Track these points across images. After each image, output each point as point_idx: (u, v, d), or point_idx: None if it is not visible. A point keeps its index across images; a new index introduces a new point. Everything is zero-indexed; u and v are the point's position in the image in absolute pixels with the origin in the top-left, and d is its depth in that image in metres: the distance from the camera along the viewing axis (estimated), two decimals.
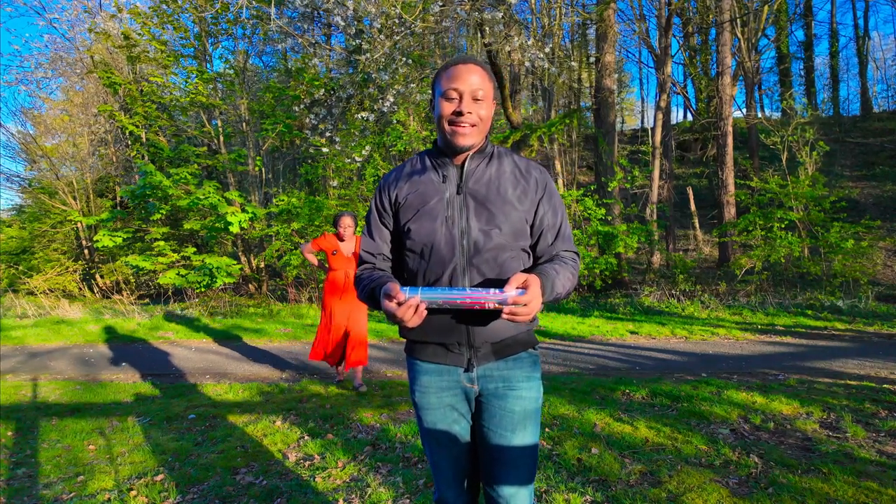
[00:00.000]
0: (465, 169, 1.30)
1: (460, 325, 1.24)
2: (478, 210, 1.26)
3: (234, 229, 9.06)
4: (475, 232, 1.24)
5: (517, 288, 1.11)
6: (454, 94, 1.24)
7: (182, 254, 10.11)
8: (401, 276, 1.36)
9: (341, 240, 4.20)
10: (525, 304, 1.09)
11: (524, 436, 1.29)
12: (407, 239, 1.30)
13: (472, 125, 1.25)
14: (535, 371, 1.34)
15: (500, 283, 1.21)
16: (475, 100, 1.24)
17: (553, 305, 8.91)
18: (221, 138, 11.44)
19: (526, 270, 1.29)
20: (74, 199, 13.72)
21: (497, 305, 1.11)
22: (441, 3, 7.59)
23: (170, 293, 11.34)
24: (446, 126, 1.26)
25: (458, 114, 1.24)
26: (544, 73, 13.28)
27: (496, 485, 1.30)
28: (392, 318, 1.14)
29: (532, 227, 1.32)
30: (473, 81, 1.23)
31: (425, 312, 1.13)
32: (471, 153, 1.31)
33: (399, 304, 1.12)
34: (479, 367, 1.29)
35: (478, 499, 1.42)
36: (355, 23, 7.78)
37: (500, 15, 7.45)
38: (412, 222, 1.29)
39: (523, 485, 1.29)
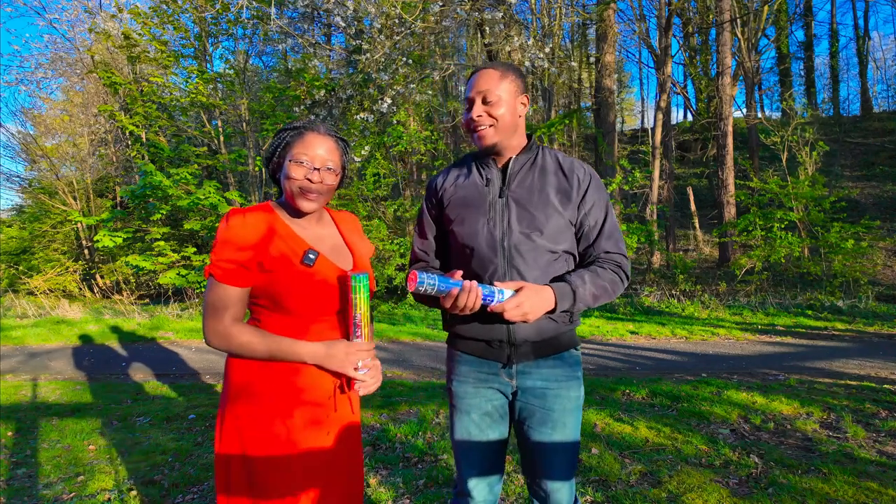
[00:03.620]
0: (508, 171, 1.32)
1: (501, 325, 1.27)
2: (519, 213, 1.27)
3: None
4: (516, 235, 1.26)
5: (513, 290, 1.18)
6: (468, 104, 1.31)
7: (182, 254, 10.11)
8: None
9: (297, 213, 1.26)
10: (515, 307, 1.15)
11: (564, 432, 1.30)
12: (451, 241, 1.35)
13: (488, 126, 1.28)
14: (575, 371, 1.34)
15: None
16: (486, 102, 1.27)
17: None
18: (221, 138, 11.44)
19: (559, 277, 1.29)
20: (74, 199, 13.71)
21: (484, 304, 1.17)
22: (441, 3, 7.59)
23: (170, 293, 11.34)
24: (469, 135, 1.32)
25: (472, 120, 1.29)
26: (544, 73, 13.26)
27: (538, 479, 1.32)
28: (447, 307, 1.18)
29: (576, 228, 1.32)
30: (482, 83, 1.27)
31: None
32: (514, 155, 1.33)
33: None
34: (519, 364, 1.30)
35: (498, 496, 1.43)
36: (355, 23, 7.78)
37: (500, 15, 7.45)
38: (455, 224, 1.33)
39: (564, 479, 1.31)
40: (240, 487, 1.17)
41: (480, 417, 1.33)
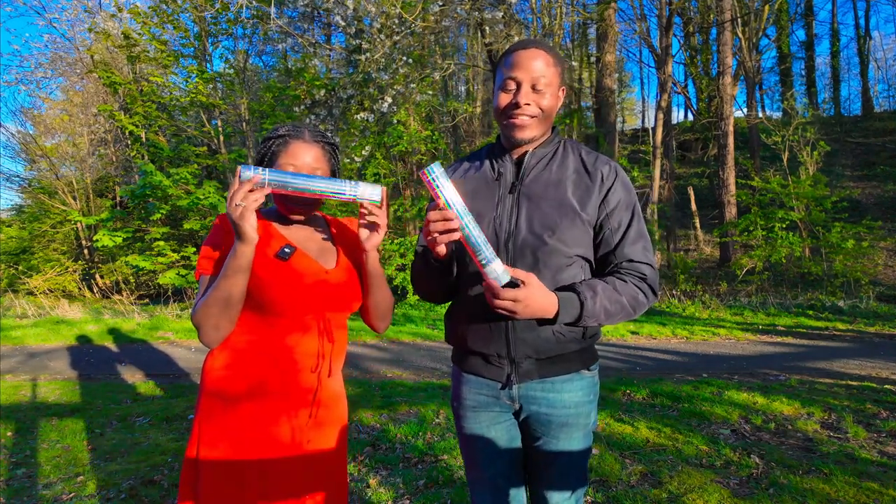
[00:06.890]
0: (522, 166, 1.18)
1: (500, 335, 1.14)
2: (530, 211, 1.14)
3: None
4: (524, 235, 1.13)
5: (516, 281, 1.00)
6: (512, 85, 1.14)
7: (182, 254, 10.12)
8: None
9: (287, 221, 1.25)
10: (512, 298, 0.98)
11: (571, 449, 1.20)
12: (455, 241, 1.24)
13: (532, 116, 1.14)
14: (586, 396, 1.19)
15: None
16: (536, 89, 1.13)
17: None
18: (221, 138, 11.44)
19: (567, 285, 1.13)
20: (74, 198, 13.72)
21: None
22: (441, 3, 7.58)
23: (169, 293, 11.33)
24: (503, 120, 1.17)
25: (516, 105, 1.13)
26: None
27: (542, 489, 1.23)
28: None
29: (595, 231, 1.16)
30: (535, 68, 1.11)
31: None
32: (532, 148, 1.20)
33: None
34: (521, 384, 1.17)
35: None
36: (355, 22, 7.77)
37: (501, 14, 7.44)
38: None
39: (572, 489, 1.22)
40: (213, 493, 1.11)
41: (484, 443, 1.23)
